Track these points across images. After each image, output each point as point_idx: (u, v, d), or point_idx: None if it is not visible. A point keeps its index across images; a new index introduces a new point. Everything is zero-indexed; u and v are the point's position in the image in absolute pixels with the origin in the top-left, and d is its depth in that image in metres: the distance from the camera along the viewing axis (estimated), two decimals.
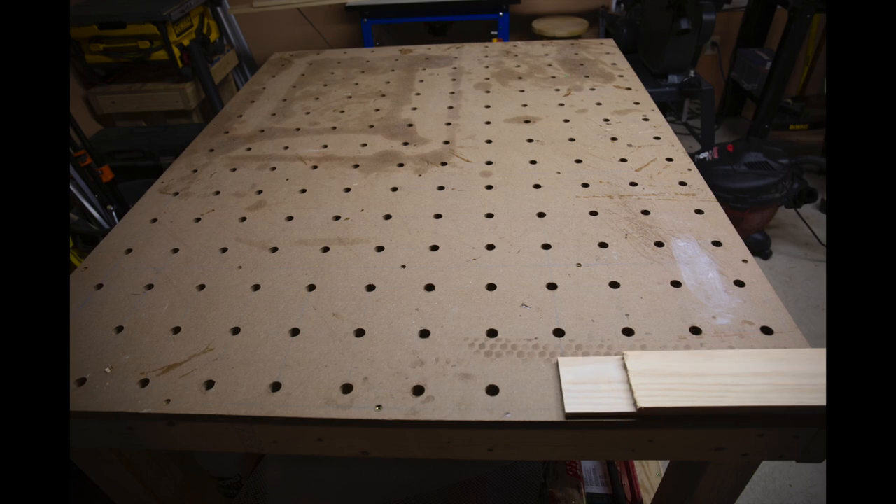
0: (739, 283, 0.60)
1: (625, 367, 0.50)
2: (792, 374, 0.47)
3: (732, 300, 0.58)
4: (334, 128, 1.00)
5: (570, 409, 0.47)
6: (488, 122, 0.98)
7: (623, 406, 0.47)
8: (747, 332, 0.54)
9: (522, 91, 1.09)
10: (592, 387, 0.49)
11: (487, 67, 1.22)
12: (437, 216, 0.74)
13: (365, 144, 0.94)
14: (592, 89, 1.07)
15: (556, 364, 0.52)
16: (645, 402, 0.46)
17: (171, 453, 0.75)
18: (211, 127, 1.04)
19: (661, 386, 0.47)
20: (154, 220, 0.78)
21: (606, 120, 0.95)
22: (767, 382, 0.47)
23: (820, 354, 0.49)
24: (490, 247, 0.68)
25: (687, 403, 0.46)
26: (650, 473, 1.08)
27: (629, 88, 1.07)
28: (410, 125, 0.99)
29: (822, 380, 0.47)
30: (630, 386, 0.48)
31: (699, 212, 0.71)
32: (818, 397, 0.46)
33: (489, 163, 0.85)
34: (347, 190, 0.82)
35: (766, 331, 0.54)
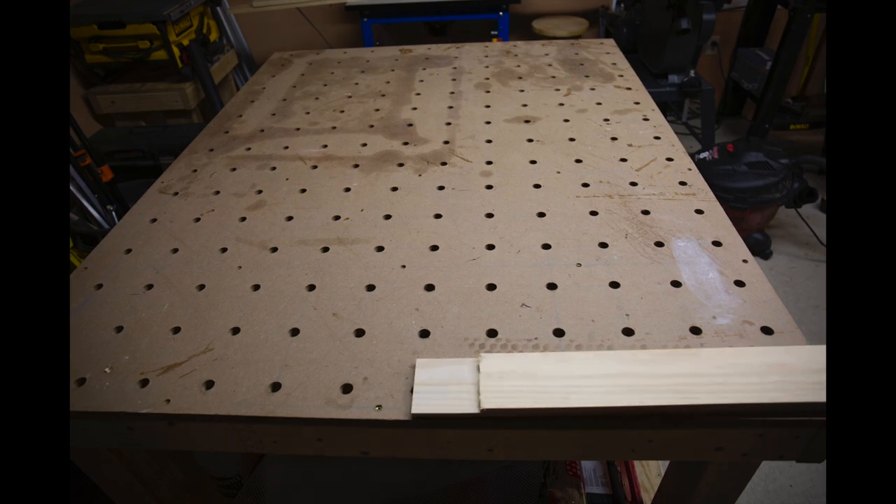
0: (740, 283, 0.60)
1: (478, 368, 0.50)
2: (649, 376, 0.48)
3: (733, 300, 0.58)
4: (334, 128, 1.00)
5: (416, 410, 0.48)
6: (488, 122, 0.98)
7: (468, 407, 0.48)
8: (747, 332, 0.54)
9: (522, 91, 1.09)
10: (445, 388, 0.49)
11: (487, 67, 1.22)
12: (437, 216, 0.74)
13: (365, 144, 0.94)
14: (592, 89, 1.07)
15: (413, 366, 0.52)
16: (488, 403, 0.47)
17: (171, 453, 0.75)
18: (211, 127, 1.04)
19: (510, 388, 0.48)
20: (154, 220, 0.78)
21: (606, 120, 0.95)
22: (618, 383, 0.47)
23: (694, 354, 0.50)
24: (490, 247, 0.68)
25: (530, 405, 0.47)
26: (650, 473, 1.08)
27: (629, 88, 1.07)
28: (410, 125, 0.99)
29: (686, 379, 0.47)
30: (478, 388, 0.48)
31: (699, 212, 0.71)
32: (674, 397, 0.46)
33: (489, 163, 0.85)
34: (347, 190, 0.82)
35: (767, 331, 0.54)
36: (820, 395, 0.46)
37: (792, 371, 0.48)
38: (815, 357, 0.49)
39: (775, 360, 0.49)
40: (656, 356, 0.50)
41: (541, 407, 0.47)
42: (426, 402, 0.48)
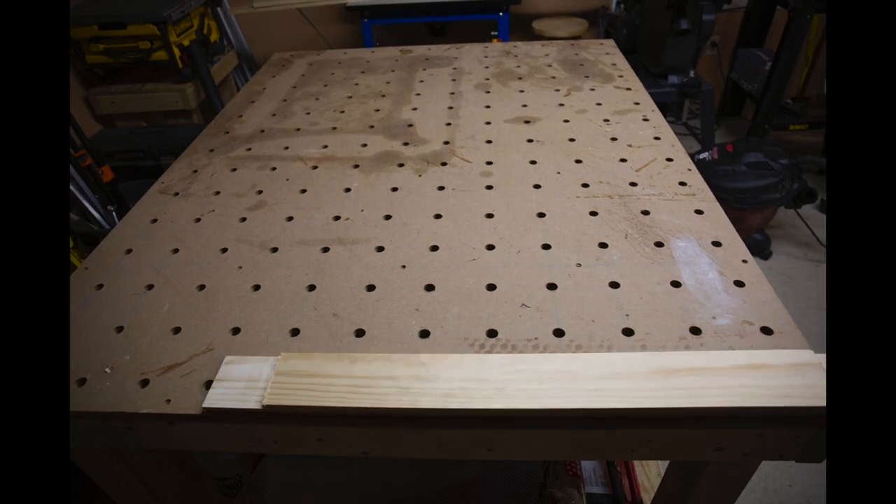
0: (739, 284, 0.60)
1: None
2: (427, 379, 0.50)
3: (732, 300, 0.58)
4: (334, 128, 1.00)
5: (206, 404, 0.50)
6: (488, 123, 0.98)
7: (253, 403, 0.49)
8: (747, 332, 0.54)
9: (522, 91, 1.09)
10: (241, 384, 0.51)
11: (487, 68, 1.22)
12: (437, 216, 0.74)
13: (365, 145, 0.94)
14: (592, 89, 1.07)
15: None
16: (270, 400, 0.49)
17: (171, 453, 0.75)
18: (211, 127, 1.04)
19: (298, 386, 0.50)
20: (154, 221, 0.78)
21: (606, 120, 0.95)
22: (395, 385, 0.49)
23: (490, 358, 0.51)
24: (490, 247, 0.68)
25: (309, 403, 0.49)
26: (650, 473, 1.08)
27: (629, 89, 1.07)
28: (410, 125, 0.99)
29: (469, 384, 0.49)
30: (268, 385, 0.50)
31: (699, 212, 0.71)
32: (450, 401, 0.48)
33: (489, 163, 0.85)
34: (347, 190, 0.82)
35: (766, 331, 0.54)
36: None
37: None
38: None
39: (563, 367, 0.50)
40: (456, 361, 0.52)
41: (319, 405, 0.49)
42: (219, 396, 0.50)
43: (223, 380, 0.52)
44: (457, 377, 0.50)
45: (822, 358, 0.49)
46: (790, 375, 0.48)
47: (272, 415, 0.50)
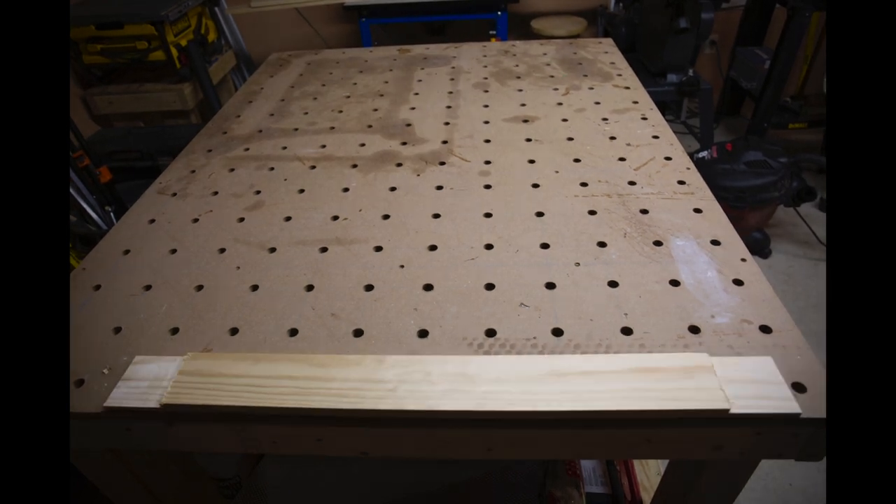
0: (738, 282, 0.60)
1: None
2: (321, 379, 0.51)
3: (731, 299, 0.58)
4: (332, 128, 1.00)
5: (107, 403, 0.50)
6: (487, 122, 0.98)
7: (153, 403, 0.50)
8: (746, 330, 0.54)
9: (521, 90, 1.09)
10: (145, 383, 0.52)
11: (486, 67, 1.22)
12: (436, 216, 0.74)
13: (363, 144, 0.94)
14: (591, 88, 1.07)
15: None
16: (168, 399, 0.50)
17: (171, 454, 0.75)
18: (209, 127, 1.04)
19: (198, 385, 0.51)
20: (152, 221, 0.78)
21: (605, 119, 0.95)
22: (292, 385, 0.50)
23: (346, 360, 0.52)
24: (489, 246, 0.68)
25: (205, 402, 0.49)
26: (649, 473, 1.08)
27: (628, 87, 1.07)
28: (409, 125, 0.99)
29: (354, 384, 0.50)
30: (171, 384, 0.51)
31: (698, 211, 0.71)
32: (338, 401, 0.49)
33: (488, 162, 0.85)
34: (346, 190, 0.81)
35: (765, 329, 0.54)
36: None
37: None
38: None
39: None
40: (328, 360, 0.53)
41: (215, 404, 0.49)
42: (122, 396, 0.51)
43: (129, 379, 0.53)
44: (353, 378, 0.50)
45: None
46: (680, 379, 0.48)
47: (173, 415, 0.51)
